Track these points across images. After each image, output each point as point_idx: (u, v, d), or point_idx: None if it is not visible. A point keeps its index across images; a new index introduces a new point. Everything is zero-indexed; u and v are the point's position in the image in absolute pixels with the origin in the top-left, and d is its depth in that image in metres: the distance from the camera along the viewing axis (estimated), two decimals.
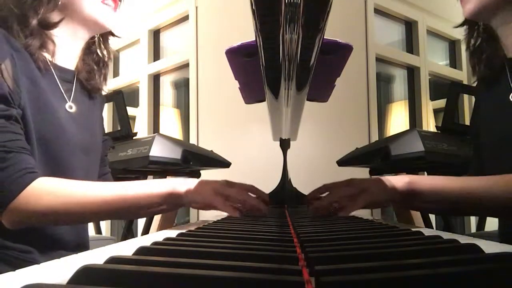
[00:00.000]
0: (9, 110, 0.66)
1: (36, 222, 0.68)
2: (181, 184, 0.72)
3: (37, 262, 0.74)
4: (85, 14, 0.80)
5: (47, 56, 0.77)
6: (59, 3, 0.77)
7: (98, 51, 0.91)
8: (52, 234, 0.77)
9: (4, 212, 0.64)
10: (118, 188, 0.69)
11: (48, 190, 0.65)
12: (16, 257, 0.72)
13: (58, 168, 0.75)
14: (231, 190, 0.73)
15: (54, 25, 0.77)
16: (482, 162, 0.89)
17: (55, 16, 0.77)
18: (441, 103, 2.87)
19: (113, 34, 0.93)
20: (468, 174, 0.96)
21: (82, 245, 0.85)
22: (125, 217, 0.85)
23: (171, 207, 0.73)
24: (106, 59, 0.92)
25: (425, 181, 0.71)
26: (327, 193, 0.82)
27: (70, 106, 0.80)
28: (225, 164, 1.75)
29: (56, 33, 0.78)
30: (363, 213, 0.86)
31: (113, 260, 0.31)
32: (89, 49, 0.89)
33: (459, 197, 0.68)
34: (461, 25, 0.92)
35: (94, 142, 0.87)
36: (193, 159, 1.56)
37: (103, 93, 0.95)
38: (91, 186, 0.70)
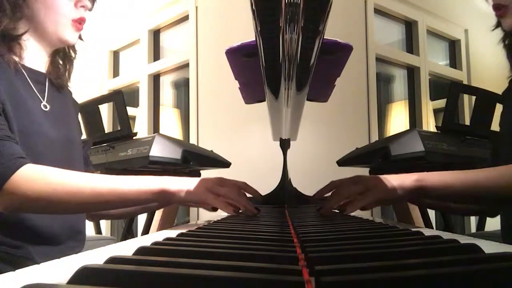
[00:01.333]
0: None
1: (28, 208, 0.69)
2: (173, 182, 0.73)
3: (30, 257, 0.74)
4: (50, 30, 0.83)
5: (16, 59, 0.80)
6: (22, 17, 0.79)
7: (66, 49, 0.94)
8: (42, 227, 0.77)
9: None
10: (111, 180, 0.70)
11: (39, 176, 0.66)
12: (8, 252, 0.72)
13: (37, 162, 0.75)
14: (223, 188, 0.74)
15: (17, 37, 0.80)
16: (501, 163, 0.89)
17: (20, 27, 0.80)
18: (441, 103, 2.87)
19: (81, 38, 0.94)
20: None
21: (74, 238, 0.85)
22: (114, 208, 0.86)
23: (162, 204, 0.75)
24: (72, 58, 0.95)
25: (433, 177, 0.71)
26: (333, 190, 0.83)
27: (45, 106, 0.83)
28: (225, 164, 1.75)
29: (24, 37, 0.81)
30: (363, 213, 0.86)
31: (113, 260, 0.31)
32: (56, 51, 0.92)
33: (467, 190, 0.69)
34: (496, 27, 0.94)
35: (72, 137, 0.89)
36: (193, 159, 1.56)
37: (74, 95, 0.98)
38: (83, 176, 0.70)
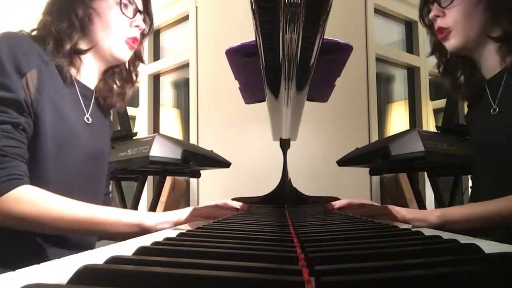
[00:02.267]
0: (19, 118, 0.71)
1: (14, 226, 0.71)
2: (150, 218, 0.78)
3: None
4: (106, 48, 0.88)
5: (73, 72, 0.84)
6: (88, 33, 0.85)
7: (124, 72, 0.98)
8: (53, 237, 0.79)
9: None
10: (91, 210, 0.74)
11: (28, 199, 0.68)
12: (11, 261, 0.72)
13: (68, 170, 0.80)
14: (197, 211, 0.82)
15: (84, 52, 0.85)
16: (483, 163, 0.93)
17: (83, 45, 0.86)
18: (441, 103, 2.87)
19: (142, 61, 1.01)
20: (472, 174, 1.02)
21: (85, 245, 0.86)
22: (98, 236, 0.91)
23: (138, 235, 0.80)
24: (132, 81, 1.00)
25: (455, 211, 0.78)
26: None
27: (88, 118, 0.88)
28: (225, 164, 1.75)
29: (83, 56, 0.86)
30: None
31: (113, 260, 0.31)
32: (112, 70, 0.96)
33: (489, 221, 0.75)
34: (431, 54, 0.99)
35: (104, 152, 0.95)
36: (193, 159, 1.56)
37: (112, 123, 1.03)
38: (68, 203, 0.73)
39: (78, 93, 0.86)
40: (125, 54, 0.92)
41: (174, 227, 0.74)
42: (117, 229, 0.76)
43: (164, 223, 0.79)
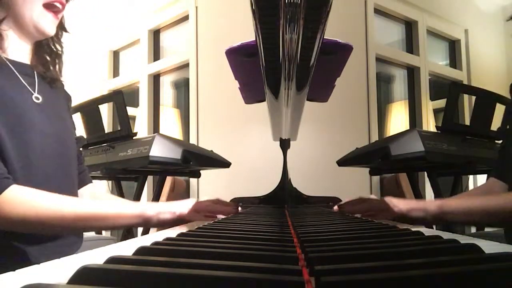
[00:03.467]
0: None
1: (11, 229, 0.69)
2: (151, 208, 0.77)
3: (27, 259, 0.73)
4: (26, 18, 0.80)
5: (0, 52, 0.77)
6: (1, 2, 0.77)
7: (50, 44, 0.90)
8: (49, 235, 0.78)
9: None
10: (91, 205, 0.73)
11: (23, 199, 0.66)
12: (3, 255, 0.72)
13: (31, 155, 0.75)
14: (199, 204, 0.81)
15: None
16: (506, 166, 0.92)
17: None
18: (441, 103, 2.87)
19: (65, 30, 0.91)
20: (490, 176, 1.01)
21: (74, 232, 0.85)
22: (96, 230, 0.90)
23: (140, 226, 0.79)
24: (60, 52, 0.92)
25: (453, 202, 0.79)
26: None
27: (37, 97, 0.81)
28: (225, 164, 1.75)
29: (4, 28, 0.79)
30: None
31: (113, 260, 0.31)
32: (40, 43, 0.88)
33: (488, 215, 0.76)
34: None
35: (66, 130, 0.88)
36: (193, 159, 1.56)
37: (66, 89, 0.95)
38: (65, 201, 0.71)
39: (15, 71, 0.79)
40: (49, 26, 0.82)
41: (174, 227, 0.74)
42: (119, 222, 0.75)
43: (165, 213, 0.78)
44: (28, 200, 0.67)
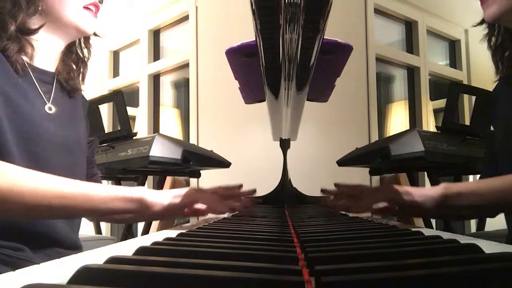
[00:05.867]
0: None
1: None
2: (151, 194, 0.71)
3: (31, 260, 0.72)
4: (66, 20, 0.80)
5: (26, 59, 0.76)
6: (40, 9, 0.76)
7: (78, 51, 0.91)
8: (46, 231, 0.76)
9: None
10: (80, 185, 0.66)
11: (2, 175, 0.59)
12: (9, 255, 0.71)
13: (39, 166, 0.71)
14: (201, 195, 0.74)
15: (34, 31, 0.77)
16: (496, 163, 0.89)
17: (35, 22, 0.77)
18: (441, 103, 2.87)
19: (95, 34, 0.91)
20: (481, 176, 0.96)
21: (77, 244, 0.84)
22: (87, 216, 0.83)
23: (137, 216, 0.72)
24: (86, 59, 0.92)
25: (458, 184, 0.73)
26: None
27: (50, 108, 0.80)
28: (225, 164, 1.75)
29: (36, 38, 0.78)
30: (363, 214, 0.86)
31: (113, 260, 0.31)
32: (69, 49, 0.88)
33: (494, 196, 0.69)
34: (480, 24, 0.92)
35: (77, 141, 0.86)
36: (193, 159, 1.56)
37: (83, 93, 0.94)
38: (51, 178, 0.65)
39: (35, 80, 0.78)
40: (90, 24, 0.83)
41: (174, 227, 0.74)
42: (113, 205, 0.67)
43: (164, 199, 0.71)
44: (8, 175, 0.60)
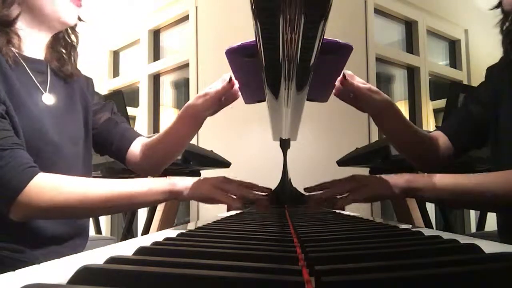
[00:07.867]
0: None
1: (41, 217, 0.70)
2: (180, 181, 0.75)
3: (31, 261, 0.73)
4: (47, 11, 0.79)
5: (14, 50, 0.76)
6: (14, 1, 0.76)
7: (66, 36, 0.89)
8: (46, 228, 0.76)
9: (11, 208, 0.65)
10: (120, 184, 0.72)
11: (50, 186, 0.66)
12: (9, 257, 0.71)
13: (44, 159, 0.74)
14: (229, 185, 0.75)
15: (13, 21, 0.77)
16: (499, 156, 0.86)
17: (13, 12, 0.77)
18: (441, 103, 2.87)
19: (79, 19, 0.90)
20: (439, 130, 0.97)
21: (79, 235, 0.84)
22: (125, 211, 0.89)
23: (169, 200, 0.78)
24: (74, 44, 0.91)
25: (422, 179, 0.73)
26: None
27: (47, 98, 0.80)
28: (225, 164, 1.75)
29: (20, 27, 0.78)
30: (364, 213, 0.86)
31: (113, 260, 0.31)
32: (56, 36, 0.87)
33: (458, 194, 0.70)
34: (496, 7, 0.93)
35: (79, 129, 0.86)
36: (193, 159, 1.56)
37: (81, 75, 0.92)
38: (92, 183, 0.71)
39: (28, 70, 0.78)
40: (72, 15, 0.82)
41: (174, 227, 0.74)
42: (149, 199, 0.73)
43: (190, 184, 0.74)
44: (55, 186, 0.67)
